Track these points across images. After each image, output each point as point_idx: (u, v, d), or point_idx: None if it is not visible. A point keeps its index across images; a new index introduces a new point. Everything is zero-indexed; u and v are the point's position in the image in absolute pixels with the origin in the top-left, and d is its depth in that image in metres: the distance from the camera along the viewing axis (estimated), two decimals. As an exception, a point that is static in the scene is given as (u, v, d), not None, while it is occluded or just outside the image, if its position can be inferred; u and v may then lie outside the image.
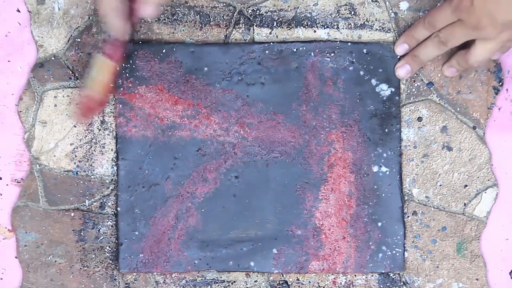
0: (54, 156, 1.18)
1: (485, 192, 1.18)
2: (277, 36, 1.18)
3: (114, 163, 1.18)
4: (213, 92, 1.17)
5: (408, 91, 1.18)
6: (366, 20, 1.18)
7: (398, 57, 1.17)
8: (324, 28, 1.18)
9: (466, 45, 1.08)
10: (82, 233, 1.18)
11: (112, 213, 1.18)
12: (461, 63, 1.11)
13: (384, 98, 1.17)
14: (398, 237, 1.16)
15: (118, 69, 1.11)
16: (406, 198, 1.17)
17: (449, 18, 1.03)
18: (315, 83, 1.16)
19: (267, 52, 1.17)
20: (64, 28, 1.18)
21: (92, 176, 1.18)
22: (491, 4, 0.95)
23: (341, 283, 1.18)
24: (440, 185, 1.17)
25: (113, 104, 1.17)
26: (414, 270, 1.18)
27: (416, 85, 1.18)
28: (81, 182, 1.18)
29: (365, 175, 1.16)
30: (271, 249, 1.16)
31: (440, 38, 1.06)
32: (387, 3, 1.18)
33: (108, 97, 1.14)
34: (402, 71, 1.14)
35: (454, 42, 1.06)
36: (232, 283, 1.18)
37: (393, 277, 1.18)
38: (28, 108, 1.19)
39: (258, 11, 1.18)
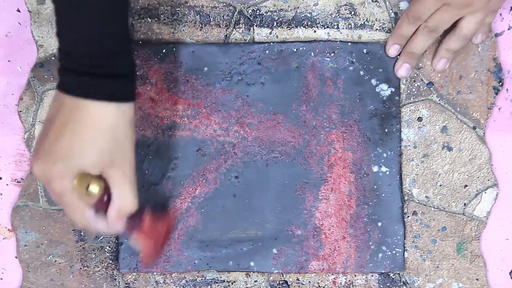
0: (54, 156, 1.18)
1: (485, 192, 1.18)
2: (277, 36, 1.18)
3: (114, 163, 1.17)
4: (213, 92, 1.17)
5: (408, 91, 1.18)
6: (366, 20, 1.18)
7: (398, 56, 1.17)
8: (324, 28, 1.18)
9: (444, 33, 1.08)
10: (82, 233, 1.18)
11: (112, 213, 1.18)
12: (450, 46, 1.11)
13: (384, 98, 1.17)
14: (398, 237, 1.16)
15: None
16: (406, 198, 1.17)
17: (433, 7, 1.03)
18: (315, 83, 1.17)
19: (267, 52, 1.17)
20: (64, 28, 1.18)
21: (92, 176, 1.18)
22: None
23: (341, 283, 1.18)
24: (440, 185, 1.17)
25: (113, 104, 1.18)
26: (414, 270, 1.18)
27: (416, 85, 1.18)
28: (81, 182, 1.18)
29: (365, 175, 1.16)
30: (271, 249, 1.17)
31: (430, 28, 1.07)
32: (387, 3, 1.18)
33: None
34: (403, 70, 1.14)
35: (444, 26, 1.06)
36: (232, 283, 1.18)
37: (393, 277, 1.18)
38: (28, 108, 1.19)
39: (258, 11, 1.18)
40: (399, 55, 1.16)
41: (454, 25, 1.07)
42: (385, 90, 1.17)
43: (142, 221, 1.00)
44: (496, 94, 1.18)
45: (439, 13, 1.04)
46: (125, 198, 0.91)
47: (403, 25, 1.10)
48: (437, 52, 1.14)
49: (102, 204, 0.92)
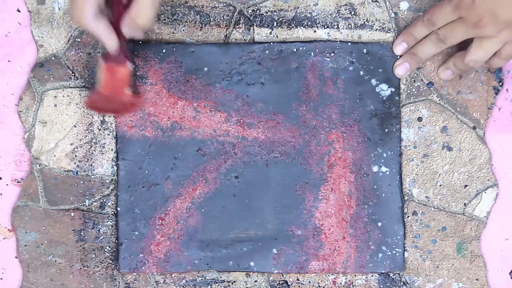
0: (54, 156, 1.18)
1: (485, 192, 1.18)
2: (277, 36, 1.18)
3: (114, 163, 1.18)
4: (213, 92, 1.17)
5: (408, 91, 1.18)
6: (366, 20, 1.18)
7: (398, 56, 1.17)
8: (324, 28, 1.18)
9: (463, 48, 1.08)
10: (82, 233, 1.18)
11: (112, 213, 1.18)
12: (457, 64, 1.11)
13: (384, 98, 1.17)
14: (398, 237, 1.16)
15: (126, 70, 1.09)
16: (406, 198, 1.17)
17: (449, 16, 1.03)
18: (315, 83, 1.16)
19: (267, 52, 1.17)
20: (64, 28, 1.18)
21: (92, 176, 1.18)
22: (492, 1, 0.95)
23: (341, 283, 1.18)
24: (440, 185, 1.17)
25: (113, 104, 1.18)
26: (414, 270, 1.18)
27: (416, 85, 1.18)
28: (81, 182, 1.18)
29: (365, 175, 1.16)
30: (271, 249, 1.16)
31: (439, 36, 1.07)
32: (387, 3, 1.18)
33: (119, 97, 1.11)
34: (401, 69, 1.14)
35: (453, 40, 1.06)
36: (232, 283, 1.18)
37: (393, 277, 1.18)
38: (28, 108, 1.19)
39: (258, 11, 1.18)
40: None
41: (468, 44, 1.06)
42: (385, 90, 1.17)
43: (121, 62, 1.07)
44: (496, 94, 1.18)
45: (452, 25, 1.04)
46: (142, 9, 0.96)
47: (417, 26, 1.10)
48: (446, 62, 1.14)
49: (119, 9, 1.00)
